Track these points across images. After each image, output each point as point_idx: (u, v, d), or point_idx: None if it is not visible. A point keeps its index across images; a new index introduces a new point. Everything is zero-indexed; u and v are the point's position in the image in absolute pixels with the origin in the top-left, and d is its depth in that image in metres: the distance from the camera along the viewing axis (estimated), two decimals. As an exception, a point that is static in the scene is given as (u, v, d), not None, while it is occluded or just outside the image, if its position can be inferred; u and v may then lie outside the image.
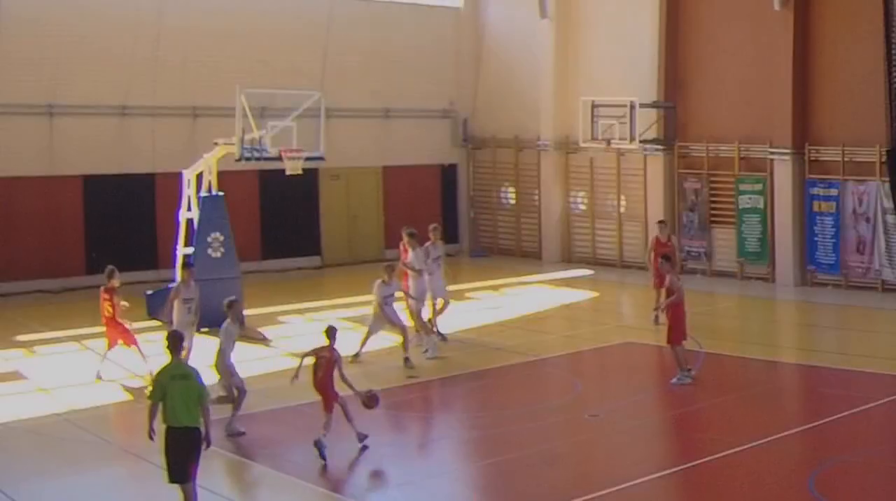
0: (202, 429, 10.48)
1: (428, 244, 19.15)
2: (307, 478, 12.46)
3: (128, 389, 16.28)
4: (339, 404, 13.09)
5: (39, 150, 24.66)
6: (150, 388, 10.85)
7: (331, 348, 13.13)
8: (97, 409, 15.05)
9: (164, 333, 11.11)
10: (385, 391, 16.29)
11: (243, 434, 13.85)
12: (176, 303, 16.60)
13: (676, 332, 16.31)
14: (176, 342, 10.76)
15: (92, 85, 25.04)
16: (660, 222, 22.15)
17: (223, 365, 14.04)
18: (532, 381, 17.18)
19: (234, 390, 14.08)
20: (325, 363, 13.05)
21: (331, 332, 13.25)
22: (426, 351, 18.33)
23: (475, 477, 13.01)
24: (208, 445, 10.60)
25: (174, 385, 10.40)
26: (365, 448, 13.22)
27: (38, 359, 18.41)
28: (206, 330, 19.98)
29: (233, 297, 14.73)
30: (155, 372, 10.76)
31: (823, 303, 23.45)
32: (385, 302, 17.69)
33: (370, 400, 13.53)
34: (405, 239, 19.10)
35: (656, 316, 19.57)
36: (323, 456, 12.68)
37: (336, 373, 13.04)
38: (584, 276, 27.33)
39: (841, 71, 24.22)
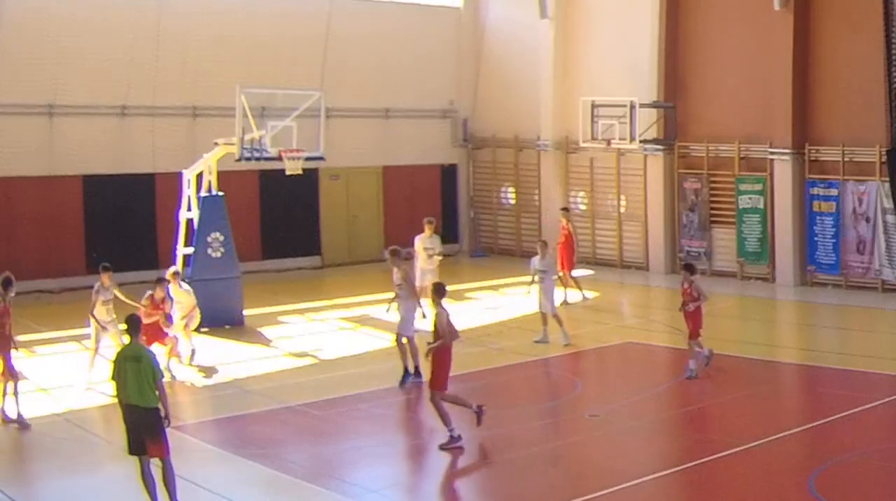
0: (159, 408, 10.92)
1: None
2: (307, 478, 12.46)
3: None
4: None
5: (39, 150, 24.63)
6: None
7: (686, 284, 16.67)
8: (97, 409, 15.04)
9: (125, 317, 11.32)
10: (385, 391, 16.34)
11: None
12: None
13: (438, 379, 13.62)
14: (134, 324, 11.16)
15: (92, 85, 25.01)
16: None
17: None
18: (532, 381, 17.18)
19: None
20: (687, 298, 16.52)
21: (688, 267, 17.04)
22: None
23: (476, 477, 13.01)
24: (168, 423, 11.07)
25: (126, 366, 10.93)
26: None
27: (38, 359, 18.39)
28: (205, 330, 20.03)
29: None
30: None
31: (823, 303, 23.43)
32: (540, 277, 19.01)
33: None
34: (568, 222, 23.36)
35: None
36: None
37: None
38: (584, 276, 27.30)
39: (841, 71, 24.21)
